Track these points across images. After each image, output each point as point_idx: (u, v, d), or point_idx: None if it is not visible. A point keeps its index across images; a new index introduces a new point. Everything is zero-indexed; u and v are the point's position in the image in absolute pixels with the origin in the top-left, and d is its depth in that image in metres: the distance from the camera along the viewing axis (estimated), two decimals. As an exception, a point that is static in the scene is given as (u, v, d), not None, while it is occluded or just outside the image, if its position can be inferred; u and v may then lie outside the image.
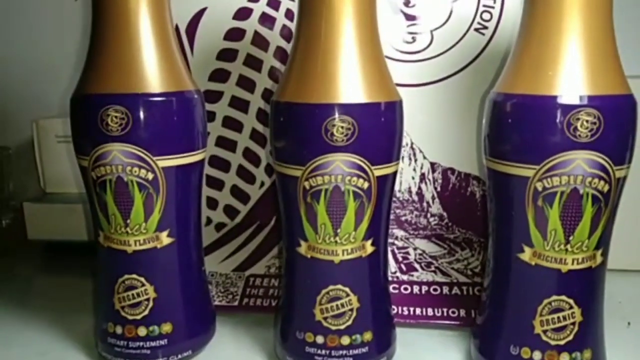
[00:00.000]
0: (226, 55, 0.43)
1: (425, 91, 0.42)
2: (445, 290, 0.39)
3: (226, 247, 0.43)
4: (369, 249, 0.31)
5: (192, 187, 0.33)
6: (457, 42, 0.42)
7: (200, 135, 0.32)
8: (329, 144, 0.28)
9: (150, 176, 0.30)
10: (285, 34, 0.43)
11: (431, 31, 0.42)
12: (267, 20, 0.43)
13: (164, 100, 0.30)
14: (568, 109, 0.26)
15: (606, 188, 0.27)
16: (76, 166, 0.32)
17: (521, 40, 0.29)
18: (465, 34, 0.42)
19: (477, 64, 0.42)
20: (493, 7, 0.41)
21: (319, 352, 0.31)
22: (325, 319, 0.31)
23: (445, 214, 0.44)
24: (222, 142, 0.44)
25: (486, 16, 0.41)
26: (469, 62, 0.42)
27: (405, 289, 0.39)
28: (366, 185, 0.29)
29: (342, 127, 0.28)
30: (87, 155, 0.30)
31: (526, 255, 0.29)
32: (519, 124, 0.28)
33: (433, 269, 0.41)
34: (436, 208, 0.44)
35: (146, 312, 0.32)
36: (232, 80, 0.44)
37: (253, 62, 0.43)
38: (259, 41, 0.43)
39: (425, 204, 0.44)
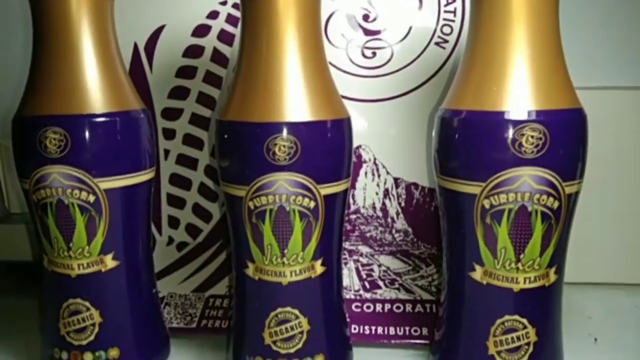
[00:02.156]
0: (185, 72, 0.43)
1: (387, 106, 0.41)
2: (409, 308, 0.38)
3: (187, 267, 0.43)
4: (319, 269, 0.30)
5: (139, 208, 0.32)
6: (417, 57, 0.41)
7: (147, 154, 0.32)
8: (271, 163, 0.27)
9: (91, 198, 0.29)
10: (244, 49, 0.42)
11: (391, 46, 0.41)
12: (226, 37, 0.42)
13: (104, 120, 0.29)
14: (512, 124, 0.26)
15: (556, 204, 0.27)
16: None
17: (467, 55, 0.28)
18: (425, 48, 0.41)
19: (439, 78, 0.41)
20: (453, 21, 0.41)
21: (268, 377, 0.30)
22: (274, 342, 0.30)
23: (410, 229, 0.43)
24: (182, 159, 0.44)
25: (447, 30, 0.41)
26: (430, 76, 0.41)
27: (368, 307, 0.39)
28: (312, 204, 0.28)
29: (284, 146, 0.27)
30: (28, 177, 0.30)
31: (477, 274, 0.28)
32: (465, 140, 0.27)
33: (397, 286, 0.40)
34: (401, 224, 0.43)
35: (92, 337, 0.31)
36: (192, 97, 0.43)
37: (213, 79, 0.43)
38: (219, 58, 0.42)
39: (389, 220, 0.43)
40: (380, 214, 0.43)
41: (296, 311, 0.30)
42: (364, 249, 0.42)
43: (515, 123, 0.26)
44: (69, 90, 0.29)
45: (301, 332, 0.30)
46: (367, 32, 0.41)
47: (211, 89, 0.43)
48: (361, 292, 0.40)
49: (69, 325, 0.31)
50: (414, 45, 0.41)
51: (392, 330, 0.37)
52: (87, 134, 0.29)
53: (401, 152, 0.42)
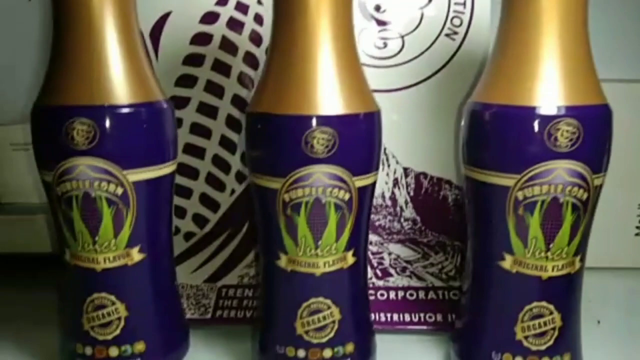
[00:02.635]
0: (193, 60, 0.42)
1: (397, 97, 0.42)
2: (422, 295, 0.39)
3: (196, 258, 0.42)
4: (350, 260, 0.30)
5: (163, 200, 0.31)
6: (428, 48, 0.42)
7: (171, 146, 0.31)
8: (308, 155, 0.27)
9: (119, 191, 0.29)
10: (255, 38, 0.41)
11: (402, 36, 0.41)
12: (235, 24, 0.41)
13: (133, 111, 0.29)
14: (548, 119, 0.27)
15: (585, 196, 0.28)
16: (35, 175, 0.30)
17: (499, 49, 0.29)
18: (436, 39, 0.41)
19: (449, 70, 0.42)
20: (463, 13, 0.41)
21: (300, 366, 0.30)
22: (306, 332, 0.30)
23: (418, 218, 0.43)
24: (190, 149, 0.43)
25: (456, 22, 0.42)
26: (440, 67, 0.42)
27: (382, 294, 0.39)
28: (347, 196, 0.29)
29: (322, 139, 0.27)
30: (51, 170, 0.29)
31: (507, 263, 0.29)
32: (499, 134, 0.28)
33: (408, 273, 0.41)
34: (409, 212, 0.43)
35: (117, 332, 0.30)
36: (200, 85, 0.42)
37: (221, 68, 0.42)
38: (227, 46, 0.42)
39: (398, 209, 0.43)
40: (389, 202, 0.43)
41: (328, 301, 0.30)
42: (374, 238, 0.43)
43: (551, 118, 0.27)
44: (96, 79, 0.28)
45: (333, 322, 0.30)
46: (379, 22, 0.41)
47: (220, 77, 0.42)
48: (373, 279, 0.40)
49: (93, 320, 0.30)
50: (424, 36, 0.41)
51: (407, 317, 0.38)
52: (116, 125, 0.28)
53: (411, 142, 0.42)
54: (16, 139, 0.47)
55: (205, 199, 0.44)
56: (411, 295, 0.39)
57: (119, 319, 0.30)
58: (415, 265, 0.41)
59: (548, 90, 0.27)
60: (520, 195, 0.28)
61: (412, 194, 0.43)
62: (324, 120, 0.27)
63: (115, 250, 0.30)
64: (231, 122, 0.43)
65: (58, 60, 0.28)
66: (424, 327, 0.37)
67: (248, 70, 0.42)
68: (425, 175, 0.43)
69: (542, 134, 0.27)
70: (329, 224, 0.29)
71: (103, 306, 0.30)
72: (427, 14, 0.41)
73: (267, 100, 0.28)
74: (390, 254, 0.42)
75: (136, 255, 0.30)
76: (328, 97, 0.27)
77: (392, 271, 0.41)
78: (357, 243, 0.30)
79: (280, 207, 0.29)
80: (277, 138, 0.28)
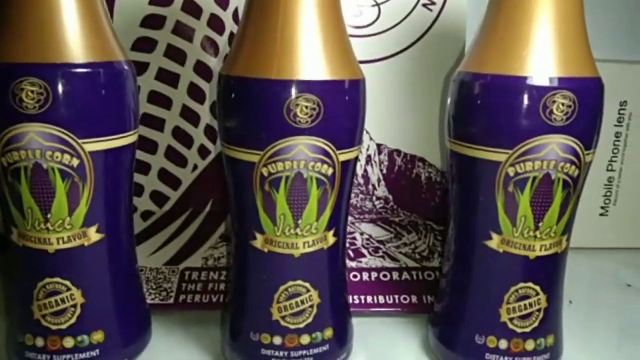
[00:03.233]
0: (152, 21, 0.38)
1: (371, 69, 0.40)
2: (395, 275, 0.38)
3: (156, 238, 0.39)
4: (331, 240, 0.28)
5: (123, 174, 0.28)
6: (404, 18, 0.40)
7: (133, 113, 0.28)
8: (291, 125, 0.25)
9: (75, 162, 0.26)
10: (220, 0, 0.38)
11: (378, 4, 0.39)
12: (198, -15, 0.38)
13: (91, 72, 0.25)
14: (544, 90, 0.25)
15: (576, 173, 0.27)
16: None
17: (491, 16, 0.27)
18: (413, 9, 0.40)
19: (425, 42, 0.40)
20: (441, -19, 0.40)
21: (276, 353, 0.28)
22: (283, 317, 0.28)
23: (390, 196, 0.42)
24: (148, 120, 0.40)
25: (434, -10, 0.40)
26: (416, 38, 0.40)
27: (355, 276, 0.38)
28: (330, 171, 0.26)
29: (306, 107, 0.25)
30: (-6, 137, 0.25)
31: (494, 242, 0.28)
32: (490, 106, 0.26)
33: (381, 254, 0.39)
34: (382, 191, 0.42)
35: (73, 320, 0.27)
36: (159, 50, 0.39)
37: (183, 31, 0.39)
38: (190, 7, 0.38)
39: (370, 187, 0.42)
40: (361, 180, 0.41)
41: (307, 284, 0.28)
42: (344, 217, 0.41)
43: (547, 89, 0.25)
44: (48, 33, 0.24)
45: (311, 306, 0.28)
46: (355, -12, 0.39)
47: (181, 41, 0.39)
48: (346, 261, 0.39)
49: (45, 308, 0.27)
50: (401, 5, 0.39)
51: (381, 299, 0.36)
52: (72, 87, 0.25)
53: (386, 117, 0.40)
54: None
55: (164, 175, 0.41)
56: (384, 276, 0.38)
57: (75, 306, 0.27)
58: (388, 246, 0.40)
59: (543, 61, 0.25)
60: (511, 171, 0.26)
61: (384, 171, 0.42)
62: (309, 86, 0.25)
63: (70, 229, 0.26)
64: (194, 91, 0.40)
65: (4, 10, 0.25)
66: (399, 310, 0.36)
67: (213, 35, 0.39)
68: (399, 152, 0.41)
69: (537, 106, 0.25)
70: (310, 201, 0.27)
71: (56, 292, 0.27)
72: (404, -18, 0.39)
73: (245, 63, 0.26)
74: (362, 234, 0.41)
75: (93, 235, 0.27)
76: (313, 61, 0.25)
77: (364, 252, 0.39)
78: (338, 222, 0.28)
79: (257, 183, 0.26)
80: (255, 106, 0.25)
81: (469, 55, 0.28)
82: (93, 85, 0.25)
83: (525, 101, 0.25)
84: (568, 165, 0.26)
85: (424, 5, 0.40)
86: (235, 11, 0.38)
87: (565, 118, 0.25)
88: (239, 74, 0.26)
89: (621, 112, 0.44)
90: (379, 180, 0.42)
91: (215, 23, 0.39)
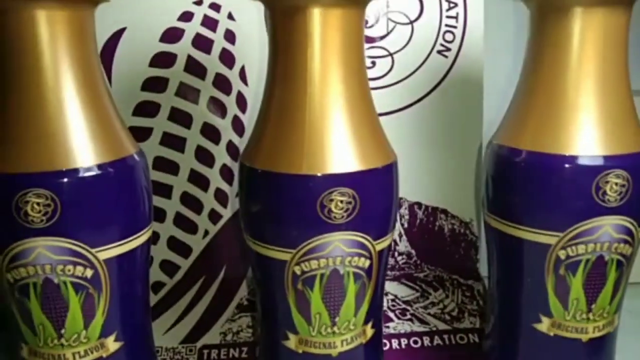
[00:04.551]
0: (154, 84, 0.36)
1: (387, 121, 0.38)
2: (427, 341, 0.36)
3: (168, 314, 0.37)
4: (369, 333, 0.26)
5: (138, 273, 0.26)
6: (419, 66, 0.38)
7: (147, 208, 0.26)
8: (325, 221, 0.23)
9: (89, 273, 0.23)
10: (226, 58, 0.36)
11: (392, 54, 0.37)
12: (202, 42, 0.36)
13: (101, 173, 0.23)
14: (596, 171, 0.23)
15: (630, 251, 0.25)
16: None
17: (529, 87, 0.25)
18: (428, 57, 0.38)
19: (442, 89, 0.38)
20: (455, 27, 0.38)
21: None
22: (322, 420, 0.26)
23: (413, 251, 0.40)
24: (154, 187, 0.37)
25: (449, 37, 0.38)
26: (432, 87, 0.38)
27: (384, 344, 0.36)
28: (367, 263, 0.24)
29: (341, 202, 0.23)
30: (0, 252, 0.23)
31: (544, 325, 0.26)
32: (537, 187, 0.24)
33: (409, 316, 0.37)
34: (404, 246, 0.40)
35: None
36: (163, 114, 0.36)
37: (187, 92, 0.36)
38: (194, 67, 0.36)
39: (392, 243, 0.40)
40: (382, 237, 0.39)
41: (346, 383, 0.26)
42: (366, 276, 0.39)
43: (600, 169, 0.23)
44: (52, 139, 0.22)
45: (351, 405, 0.26)
46: (367, 39, 0.37)
47: (186, 103, 0.36)
48: (371, 326, 0.37)
49: None
50: (415, 53, 0.37)
51: (414, 369, 0.34)
52: (82, 194, 0.22)
53: (404, 170, 0.38)
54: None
55: (174, 244, 0.38)
56: (415, 342, 0.36)
57: (94, 422, 0.25)
58: (416, 307, 0.38)
59: (593, 137, 0.24)
60: (562, 254, 0.24)
61: (406, 225, 0.40)
62: (344, 180, 0.23)
63: (86, 342, 0.24)
64: (201, 155, 0.37)
65: (1, 114, 0.22)
66: (433, 379, 0.34)
67: (220, 95, 0.37)
68: (419, 205, 0.39)
69: (589, 187, 0.23)
70: (347, 296, 0.24)
71: (73, 410, 0.25)
72: (417, 29, 0.37)
73: (269, 155, 0.23)
74: (386, 294, 0.38)
75: (112, 344, 0.25)
76: (345, 151, 0.23)
77: (391, 315, 0.37)
78: (376, 312, 0.26)
79: (290, 281, 0.24)
80: (285, 202, 0.23)
81: (506, 125, 0.26)
82: (105, 188, 0.23)
83: (576, 182, 0.24)
84: (622, 245, 0.24)
85: (439, 52, 0.38)
86: (242, 70, 0.36)
87: (620, 198, 0.24)
88: (265, 168, 0.23)
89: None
90: (400, 236, 0.40)
91: (221, 82, 0.36)
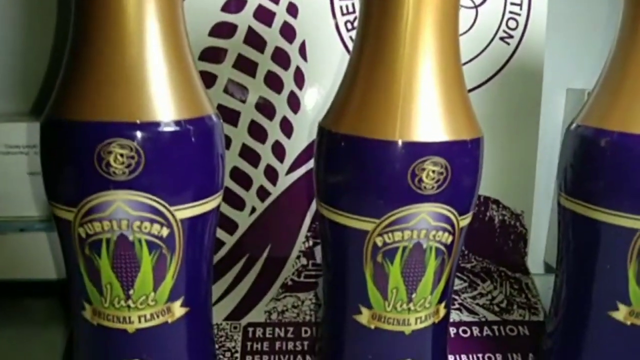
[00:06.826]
0: (211, 55, 0.35)
1: (446, 105, 0.37)
2: (476, 331, 0.35)
3: (213, 289, 0.36)
4: (442, 312, 0.25)
5: (209, 239, 0.25)
6: (481, 52, 0.37)
7: (222, 172, 0.25)
8: (415, 192, 0.22)
9: (165, 232, 0.22)
10: (287, 32, 0.35)
11: (455, 36, 0.36)
12: (264, 14, 0.35)
13: (184, 130, 0.22)
14: None
15: (450, 239, 0.24)
16: (38, 186, 0.23)
17: (621, 64, 0.24)
18: (490, 43, 0.37)
19: (502, 76, 0.37)
20: (519, 15, 0.37)
21: None
22: (388, 400, 0.25)
23: (461, 241, 0.39)
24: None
25: (512, 24, 0.37)
26: (493, 73, 0.37)
27: (432, 333, 0.35)
28: (450, 239, 0.24)
29: (433, 172, 0.22)
30: (72, 205, 0.22)
31: (620, 313, 0.25)
32: (628, 169, 0.24)
33: (457, 306, 0.36)
34: (452, 235, 0.39)
35: (151, 406, 0.24)
36: (219, 86, 0.36)
37: (246, 65, 0.35)
38: (254, 40, 0.35)
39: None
40: (432, 224, 0.39)
41: (417, 363, 0.25)
42: (413, 264, 0.38)
43: None
44: (136, 88, 0.21)
45: (420, 387, 0.25)
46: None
47: (244, 76, 0.36)
48: (419, 314, 0.36)
49: (121, 393, 0.24)
50: (478, 38, 0.37)
51: (464, 359, 0.33)
52: (165, 149, 0.21)
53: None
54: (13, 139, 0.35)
55: (220, 218, 0.37)
56: (464, 332, 0.35)
57: (153, 389, 0.24)
58: (464, 296, 0.37)
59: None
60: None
61: (456, 214, 0.39)
62: (437, 149, 0.22)
63: (153, 305, 0.23)
64: (254, 130, 0.36)
65: (80, 61, 0.21)
66: (485, 371, 0.33)
67: (277, 70, 0.36)
68: (471, 194, 0.39)
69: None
70: (427, 272, 0.24)
71: (134, 375, 0.24)
72: (481, 14, 0.37)
73: (356, 119, 0.22)
74: (434, 282, 0.38)
75: (177, 310, 0.24)
76: (439, 120, 0.22)
77: (440, 304, 0.36)
78: (449, 292, 0.25)
79: (369, 253, 0.23)
80: (372, 169, 0.22)
81: (596, 105, 0.25)
82: (185, 146, 0.22)
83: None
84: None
85: (502, 38, 0.37)
86: (302, 45, 0.35)
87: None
88: (351, 132, 0.22)
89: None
90: (450, 224, 0.39)
91: (280, 57, 0.35)
